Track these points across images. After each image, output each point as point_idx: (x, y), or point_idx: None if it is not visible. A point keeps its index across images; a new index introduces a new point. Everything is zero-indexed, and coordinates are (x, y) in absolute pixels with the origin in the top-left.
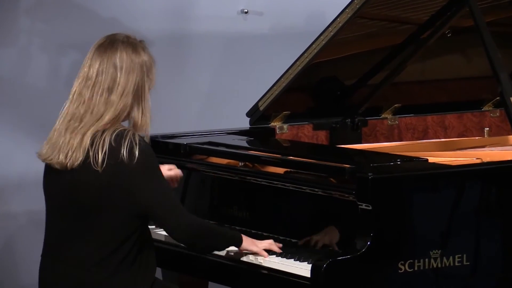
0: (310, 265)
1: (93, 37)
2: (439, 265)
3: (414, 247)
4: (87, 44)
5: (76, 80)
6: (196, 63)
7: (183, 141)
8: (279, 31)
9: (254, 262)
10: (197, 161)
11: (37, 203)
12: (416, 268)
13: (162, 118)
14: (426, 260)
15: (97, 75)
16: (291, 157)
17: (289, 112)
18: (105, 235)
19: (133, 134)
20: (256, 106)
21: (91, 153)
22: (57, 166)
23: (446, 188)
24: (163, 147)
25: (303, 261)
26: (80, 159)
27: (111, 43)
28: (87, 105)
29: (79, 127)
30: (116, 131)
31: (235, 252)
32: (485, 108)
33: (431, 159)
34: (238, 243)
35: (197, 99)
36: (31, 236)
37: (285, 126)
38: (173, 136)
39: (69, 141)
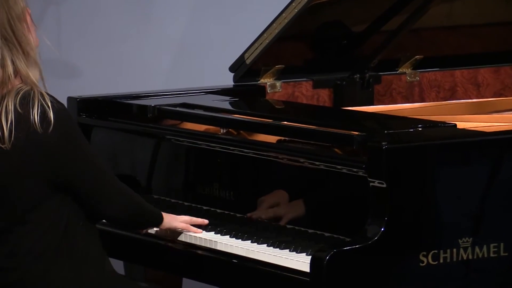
0: (309, 257)
1: None
2: (470, 257)
3: (439, 234)
4: None
5: None
6: (165, 5)
7: (151, 102)
8: None
9: (194, 242)
10: (168, 128)
11: None
12: (441, 261)
13: (124, 75)
14: (454, 250)
15: None
16: (285, 122)
17: (282, 66)
18: (32, 227)
19: (41, 94)
20: (241, 59)
21: None
22: None
23: (479, 161)
24: (125, 110)
25: (301, 252)
26: None
27: None
28: None
29: None
30: (20, 93)
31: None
32: None
33: (460, 124)
34: (160, 220)
35: (167, 50)
36: None
37: (278, 83)
38: (138, 97)
39: None
